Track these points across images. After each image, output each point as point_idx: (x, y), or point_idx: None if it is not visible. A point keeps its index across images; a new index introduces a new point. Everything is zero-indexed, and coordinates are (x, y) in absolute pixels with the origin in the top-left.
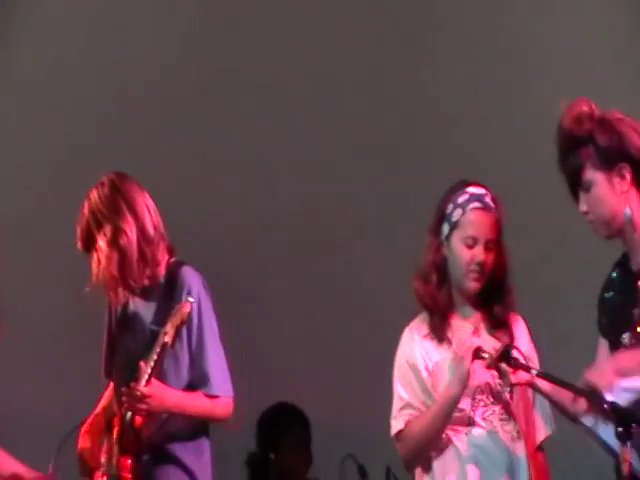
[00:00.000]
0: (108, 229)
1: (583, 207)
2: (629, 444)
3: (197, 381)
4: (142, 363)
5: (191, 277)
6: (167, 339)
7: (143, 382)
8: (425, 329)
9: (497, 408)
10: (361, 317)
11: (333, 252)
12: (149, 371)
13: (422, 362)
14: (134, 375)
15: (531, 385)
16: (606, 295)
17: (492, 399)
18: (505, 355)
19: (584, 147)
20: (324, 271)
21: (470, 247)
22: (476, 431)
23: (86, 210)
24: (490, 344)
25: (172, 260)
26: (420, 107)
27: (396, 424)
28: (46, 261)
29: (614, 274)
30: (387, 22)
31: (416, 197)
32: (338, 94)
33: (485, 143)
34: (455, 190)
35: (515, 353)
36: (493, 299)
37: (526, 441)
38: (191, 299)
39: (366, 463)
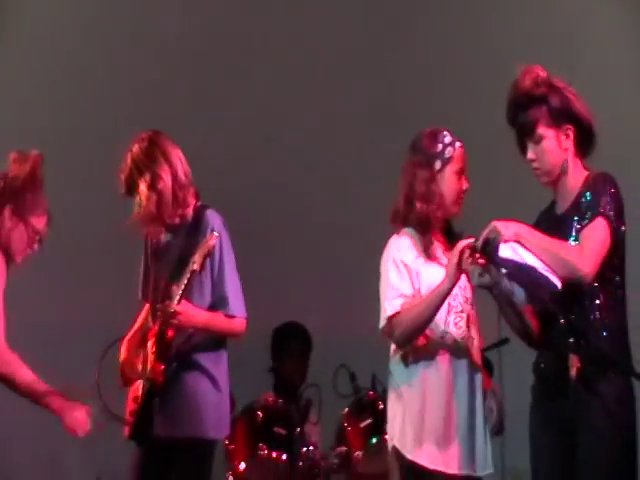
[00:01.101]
0: (148, 175)
1: (532, 155)
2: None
3: (217, 303)
4: (174, 286)
5: (214, 218)
6: (196, 267)
7: (175, 301)
8: (410, 238)
9: (464, 315)
10: (355, 251)
11: (329, 195)
12: (180, 292)
13: (412, 262)
14: (167, 296)
15: (491, 287)
16: None
17: (461, 308)
18: (487, 243)
19: (539, 106)
20: (320, 211)
21: (459, 177)
22: (449, 334)
23: (129, 160)
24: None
25: (198, 204)
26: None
27: (392, 307)
28: (95, 200)
29: (539, 219)
30: (373, 7)
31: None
32: (334, 72)
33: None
34: (436, 134)
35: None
36: (451, 233)
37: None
38: (216, 233)
39: (356, 371)
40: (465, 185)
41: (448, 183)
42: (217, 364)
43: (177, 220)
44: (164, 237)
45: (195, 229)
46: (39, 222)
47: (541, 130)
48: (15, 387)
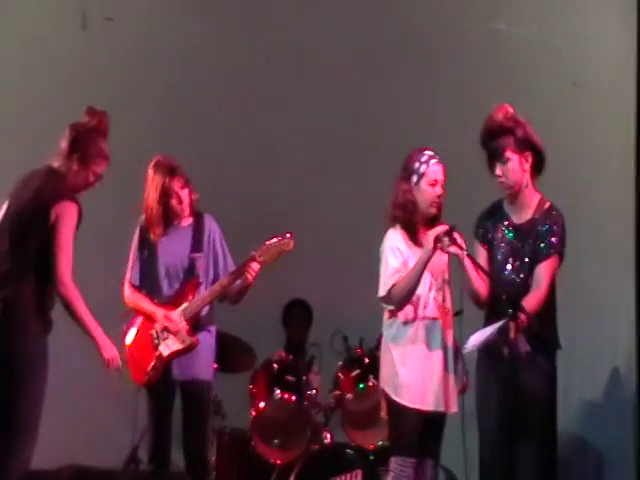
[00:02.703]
0: (159, 188)
1: (499, 172)
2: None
3: None
4: (229, 275)
5: (211, 221)
6: (268, 260)
7: (226, 281)
8: (402, 231)
9: (441, 292)
10: (352, 245)
11: (330, 195)
12: (234, 277)
13: (404, 249)
14: (178, 283)
15: (460, 258)
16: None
17: (440, 286)
18: (451, 230)
19: (507, 135)
20: (321, 200)
21: (433, 186)
22: (430, 305)
23: (149, 177)
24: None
25: (196, 210)
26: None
27: (391, 281)
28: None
29: (487, 218)
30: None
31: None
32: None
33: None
34: (417, 153)
35: (456, 235)
36: (435, 221)
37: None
38: (288, 235)
39: (349, 335)
40: (439, 191)
41: (423, 193)
42: (212, 331)
43: (180, 222)
44: (166, 236)
45: (197, 230)
46: (99, 167)
47: (508, 154)
48: (73, 314)
